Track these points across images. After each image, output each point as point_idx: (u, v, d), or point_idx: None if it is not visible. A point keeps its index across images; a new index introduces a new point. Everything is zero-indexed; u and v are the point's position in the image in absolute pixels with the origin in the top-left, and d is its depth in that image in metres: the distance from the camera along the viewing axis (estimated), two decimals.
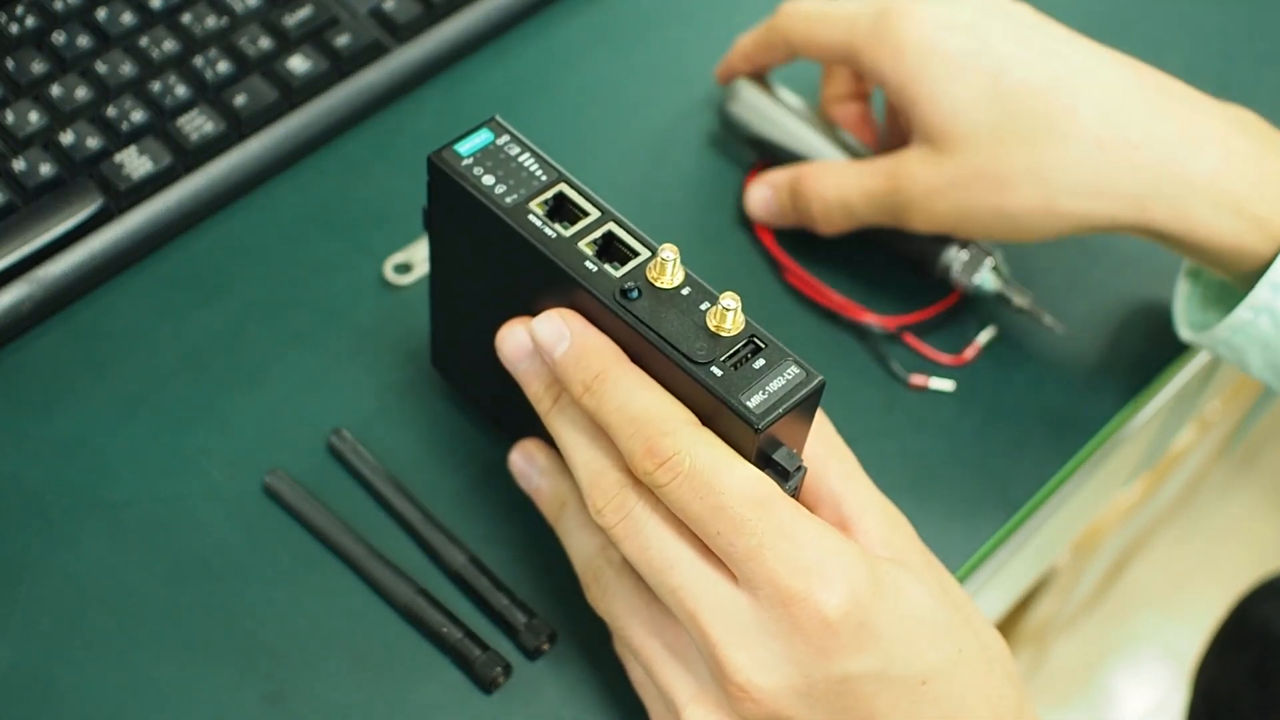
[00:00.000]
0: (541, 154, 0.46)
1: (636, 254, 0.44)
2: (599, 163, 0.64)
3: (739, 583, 0.41)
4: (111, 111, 0.59)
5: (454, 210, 0.46)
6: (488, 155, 0.45)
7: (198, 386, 0.56)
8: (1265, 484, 1.59)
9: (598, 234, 0.44)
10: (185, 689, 0.49)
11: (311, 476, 0.54)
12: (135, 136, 0.59)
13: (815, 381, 0.41)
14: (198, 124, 0.60)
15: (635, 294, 0.42)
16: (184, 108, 0.60)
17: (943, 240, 0.59)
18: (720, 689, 0.42)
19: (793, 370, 0.41)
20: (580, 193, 0.45)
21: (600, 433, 0.44)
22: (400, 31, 0.64)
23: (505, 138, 0.46)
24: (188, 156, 0.59)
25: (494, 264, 0.46)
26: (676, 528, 0.42)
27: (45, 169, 0.57)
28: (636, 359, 0.43)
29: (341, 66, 0.63)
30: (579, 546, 0.47)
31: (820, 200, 0.57)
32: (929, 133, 0.53)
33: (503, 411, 0.53)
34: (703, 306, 0.42)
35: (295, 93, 0.62)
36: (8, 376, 0.55)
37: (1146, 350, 0.61)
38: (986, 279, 0.59)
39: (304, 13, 0.63)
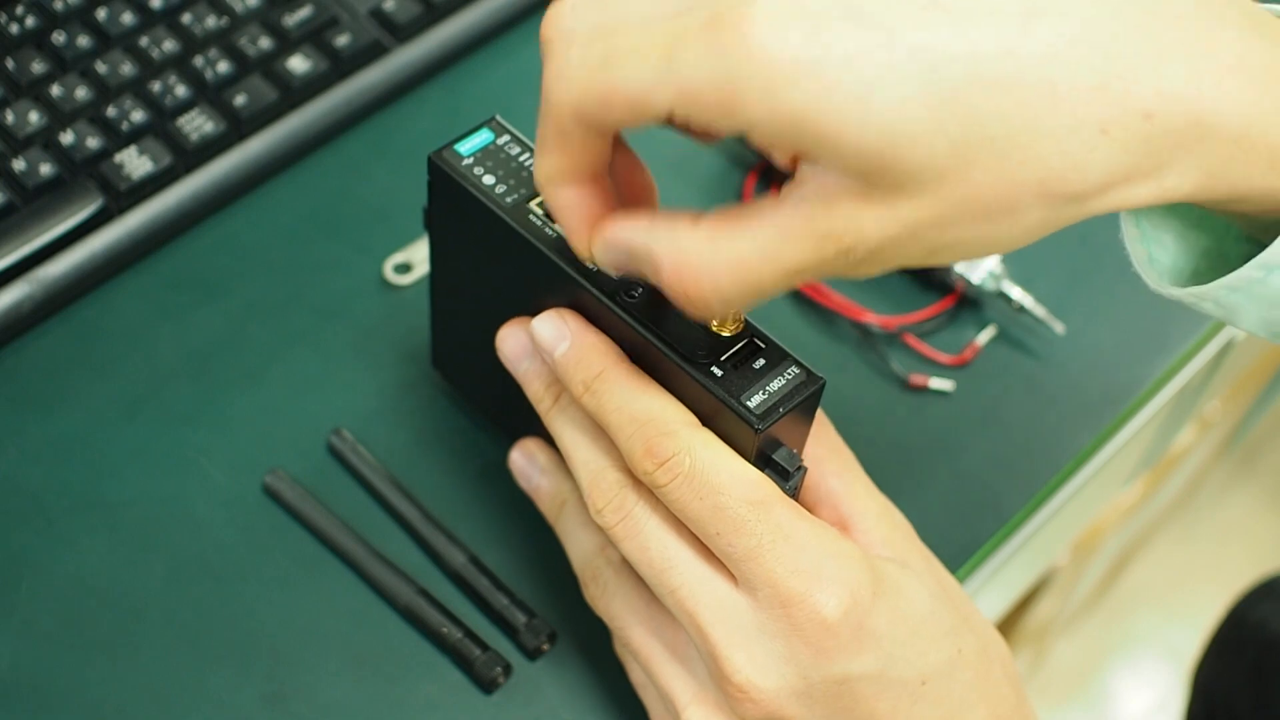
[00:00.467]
0: None
1: None
2: None
3: (738, 583, 0.41)
4: (111, 111, 0.59)
5: (454, 210, 0.46)
6: (488, 155, 0.45)
7: (198, 386, 0.56)
8: (1265, 484, 1.59)
9: None
10: (185, 689, 0.49)
11: (311, 476, 0.54)
12: (135, 136, 0.59)
13: (816, 382, 0.41)
14: (198, 124, 0.60)
15: (635, 293, 0.42)
16: (184, 108, 0.60)
17: None
18: (719, 689, 0.42)
19: (793, 370, 0.41)
20: None
21: (600, 433, 0.44)
22: (400, 31, 0.64)
23: (506, 137, 0.46)
24: (188, 156, 0.59)
25: (494, 263, 0.46)
26: (676, 528, 0.42)
27: (45, 169, 0.57)
28: (636, 359, 0.43)
29: (341, 66, 0.63)
30: (578, 546, 0.47)
31: (710, 301, 0.38)
32: (862, 170, 0.36)
33: (502, 411, 0.53)
34: None
35: (295, 93, 0.62)
36: (8, 376, 0.55)
37: (1146, 350, 0.61)
38: (986, 279, 0.59)
39: (304, 13, 0.63)
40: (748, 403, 0.40)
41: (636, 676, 0.48)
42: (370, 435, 0.55)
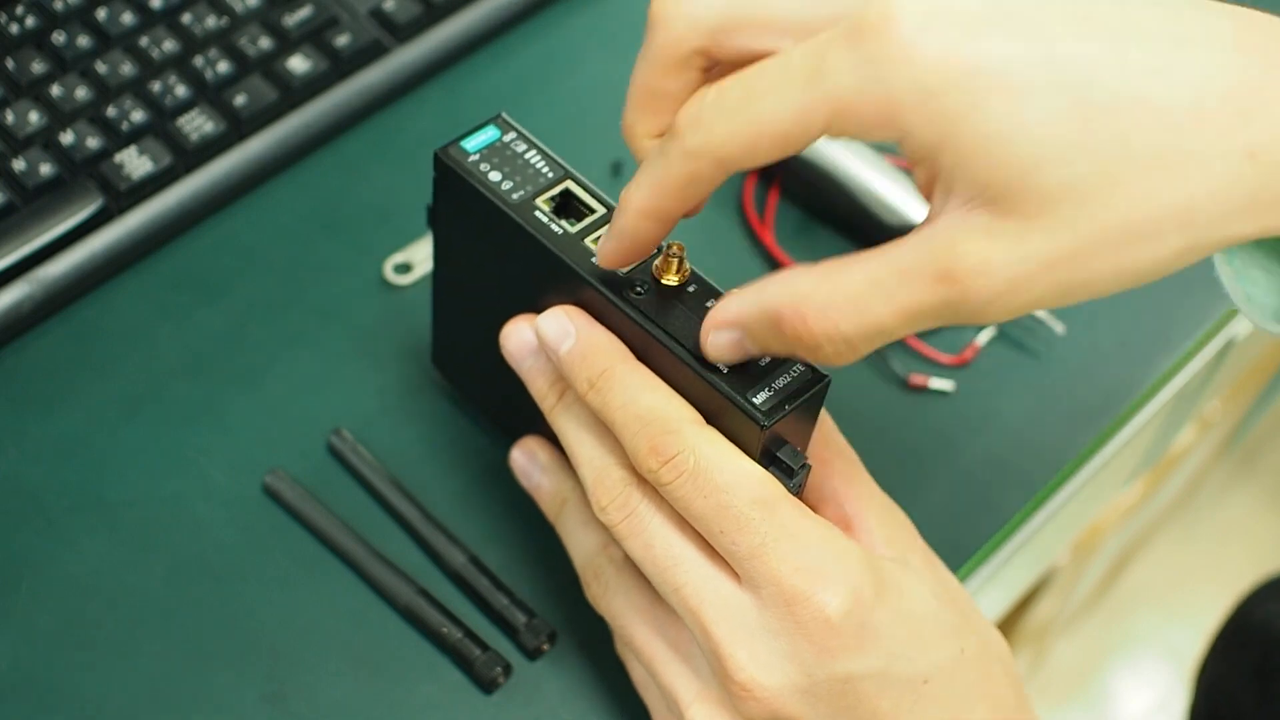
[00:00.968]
0: (548, 151, 0.46)
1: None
2: (599, 163, 0.64)
3: (742, 582, 0.41)
4: (111, 111, 0.59)
5: (459, 206, 0.46)
6: (494, 152, 0.45)
7: (198, 386, 0.56)
8: (1265, 484, 1.59)
9: (604, 231, 0.44)
10: (185, 689, 0.49)
11: (311, 476, 0.54)
12: (135, 136, 0.59)
13: (821, 379, 0.41)
14: (198, 124, 0.60)
15: (641, 291, 0.42)
16: (184, 108, 0.60)
17: None
18: (722, 687, 0.42)
19: (798, 368, 0.41)
20: (586, 190, 0.45)
21: (605, 430, 0.43)
22: (400, 31, 0.64)
23: (512, 135, 0.46)
24: (188, 156, 0.59)
25: (499, 260, 0.46)
26: (680, 526, 0.42)
27: (45, 169, 0.57)
28: (642, 356, 0.43)
29: (341, 66, 0.63)
30: (580, 544, 0.47)
31: (833, 338, 0.37)
32: (995, 193, 0.35)
33: (503, 410, 0.53)
34: (708, 303, 0.42)
35: (295, 93, 0.62)
36: (8, 376, 0.55)
37: (1146, 350, 0.61)
38: None
39: (304, 13, 0.63)
40: (753, 399, 0.40)
41: (638, 675, 0.48)
42: (370, 435, 0.55)
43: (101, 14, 0.61)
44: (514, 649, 0.51)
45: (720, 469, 0.40)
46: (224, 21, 0.63)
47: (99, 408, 0.55)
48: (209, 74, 0.61)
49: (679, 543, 0.42)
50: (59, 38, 0.61)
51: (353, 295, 0.59)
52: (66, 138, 0.58)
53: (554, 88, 0.67)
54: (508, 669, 0.50)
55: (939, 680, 0.42)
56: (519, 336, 0.46)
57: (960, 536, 0.55)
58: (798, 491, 0.42)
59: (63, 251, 0.57)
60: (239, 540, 0.52)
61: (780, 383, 0.41)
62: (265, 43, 0.62)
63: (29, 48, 0.61)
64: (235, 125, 0.60)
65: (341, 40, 0.63)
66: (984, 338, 0.60)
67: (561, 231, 0.44)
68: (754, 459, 0.41)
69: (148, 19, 0.62)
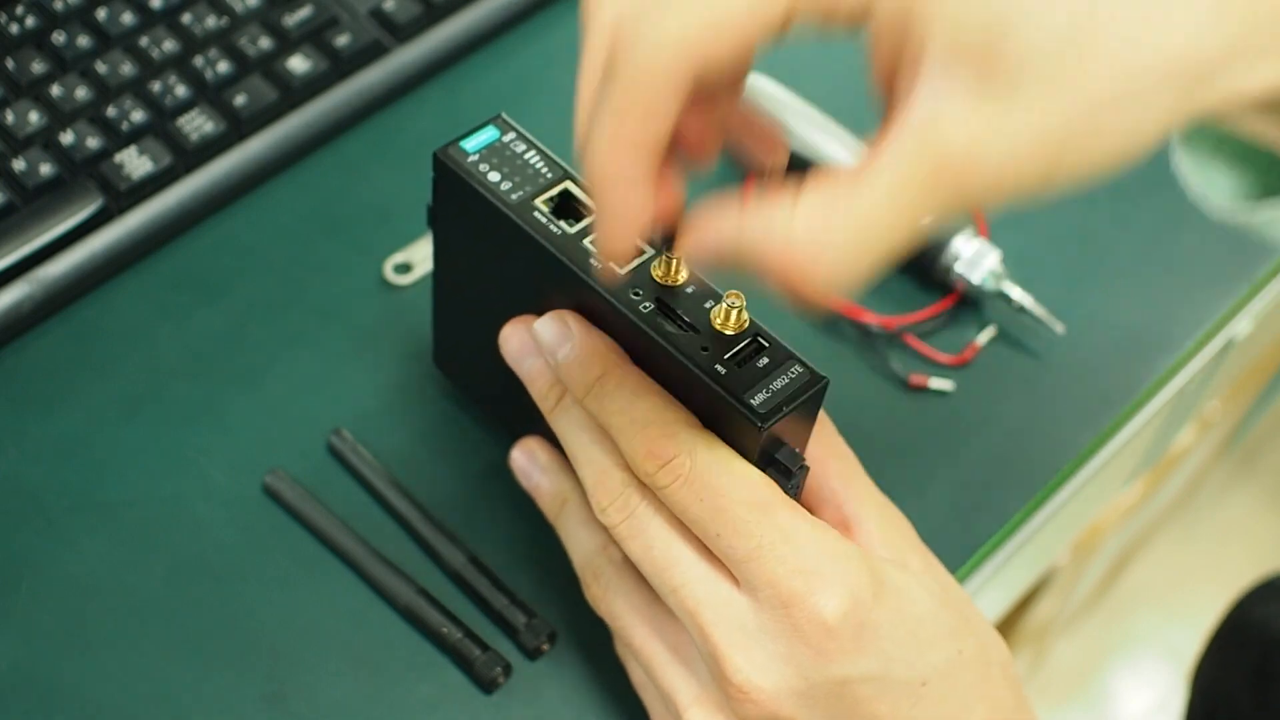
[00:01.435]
0: (547, 151, 0.46)
1: (642, 251, 0.44)
2: None
3: (740, 584, 0.41)
4: (111, 111, 0.59)
5: (459, 206, 0.46)
6: (494, 152, 0.45)
7: (198, 386, 0.56)
8: (1265, 484, 1.58)
9: None
10: (185, 689, 0.49)
11: (311, 476, 0.54)
12: (135, 136, 0.59)
13: (819, 381, 0.41)
14: (198, 124, 0.60)
15: (639, 291, 0.42)
16: (184, 108, 0.60)
17: (943, 240, 0.59)
18: (720, 690, 0.42)
19: (796, 369, 0.41)
20: (586, 190, 0.45)
21: (604, 432, 0.43)
22: (400, 31, 0.64)
23: (511, 135, 0.46)
24: (188, 156, 0.59)
25: (498, 261, 0.46)
26: (679, 528, 0.42)
27: (45, 169, 0.57)
28: (640, 357, 0.43)
29: (341, 66, 0.63)
30: (579, 545, 0.47)
31: (845, 273, 0.33)
32: (973, 54, 0.32)
33: (504, 409, 0.53)
34: (707, 304, 0.42)
35: (295, 93, 0.62)
36: (8, 376, 0.55)
37: (1146, 350, 0.61)
38: (986, 279, 0.59)
39: (304, 13, 0.63)
40: (751, 401, 0.40)
41: (637, 676, 0.48)
42: (370, 435, 0.55)
43: (101, 14, 0.62)
44: (514, 649, 0.51)
45: (717, 472, 0.40)
46: (224, 21, 0.63)
47: (99, 408, 0.55)
48: (209, 74, 0.61)
49: (678, 544, 0.42)
50: (59, 38, 0.61)
51: (353, 295, 0.59)
52: (66, 138, 0.58)
53: (554, 88, 0.67)
54: (508, 669, 0.50)
55: (937, 682, 0.42)
56: (518, 338, 0.46)
57: (960, 536, 0.55)
58: (796, 493, 0.42)
59: (63, 251, 0.57)
60: (239, 540, 0.52)
61: (778, 384, 0.41)
62: (265, 43, 0.62)
63: (29, 48, 0.61)
64: (235, 125, 0.60)
65: (341, 40, 0.63)
66: (984, 338, 0.60)
67: (560, 232, 0.44)
68: (752, 460, 0.41)
69: (148, 19, 0.62)
